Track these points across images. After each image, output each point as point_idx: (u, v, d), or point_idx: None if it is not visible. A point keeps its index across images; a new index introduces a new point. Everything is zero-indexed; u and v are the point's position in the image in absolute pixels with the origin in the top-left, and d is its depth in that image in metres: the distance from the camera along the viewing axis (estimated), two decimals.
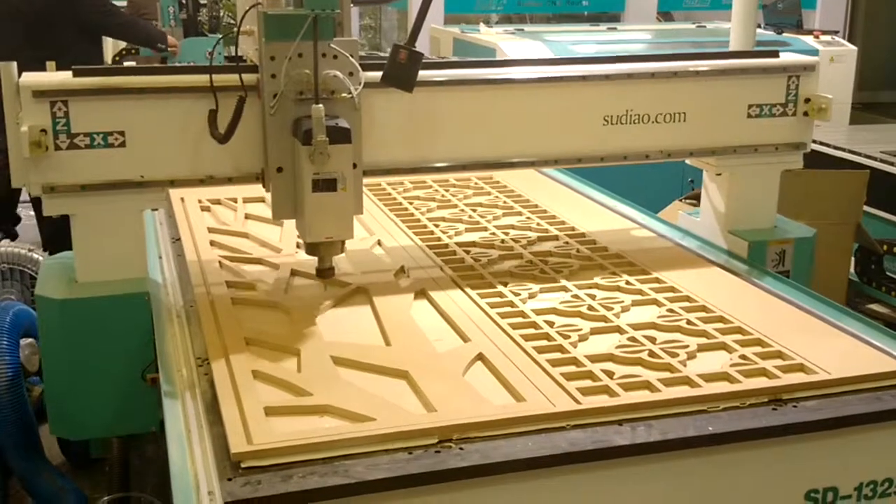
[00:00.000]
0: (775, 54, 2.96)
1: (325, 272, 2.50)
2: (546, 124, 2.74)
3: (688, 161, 3.02)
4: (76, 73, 2.41)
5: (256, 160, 2.51)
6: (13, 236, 5.59)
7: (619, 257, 2.79)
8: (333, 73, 2.35)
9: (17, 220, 5.95)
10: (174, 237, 3.00)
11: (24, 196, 6.11)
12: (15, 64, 2.37)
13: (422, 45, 7.98)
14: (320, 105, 2.26)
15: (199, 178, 2.51)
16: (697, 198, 5.30)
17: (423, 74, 2.51)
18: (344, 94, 2.36)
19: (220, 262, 2.73)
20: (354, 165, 2.39)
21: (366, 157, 2.51)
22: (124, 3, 12.61)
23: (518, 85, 2.71)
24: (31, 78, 2.37)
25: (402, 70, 2.40)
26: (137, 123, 2.42)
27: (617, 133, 2.77)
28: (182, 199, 3.33)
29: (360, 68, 2.38)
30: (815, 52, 6.77)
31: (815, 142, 5.53)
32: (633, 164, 2.85)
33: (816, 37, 6.96)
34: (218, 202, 3.34)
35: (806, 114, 2.92)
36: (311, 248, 2.47)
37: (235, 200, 3.32)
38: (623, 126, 2.77)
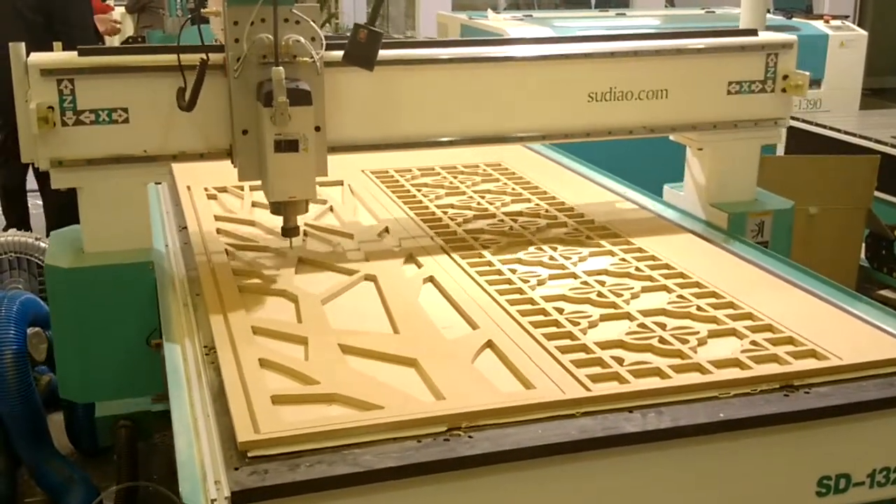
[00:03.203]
0: (754, 33, 3.03)
1: (289, 231, 2.57)
2: (532, 101, 2.83)
3: (671, 137, 3.11)
4: (81, 53, 2.48)
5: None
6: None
7: (629, 243, 2.77)
8: (295, 37, 2.41)
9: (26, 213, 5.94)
10: (181, 225, 2.99)
11: (31, 185, 6.12)
12: (23, 44, 2.46)
13: (429, 31, 7.97)
14: (280, 67, 2.33)
15: (200, 152, 2.60)
16: None
17: (395, 54, 2.67)
18: (306, 59, 2.43)
19: (226, 250, 2.72)
20: (318, 128, 2.46)
21: (333, 133, 2.59)
22: None
23: (501, 63, 2.80)
24: (39, 57, 2.45)
25: (362, 49, 2.47)
26: (140, 100, 2.51)
27: (602, 109, 2.86)
28: (189, 188, 3.31)
29: (321, 34, 2.46)
30: (825, 37, 6.73)
31: (825, 127, 5.55)
32: (617, 139, 2.95)
33: (826, 21, 6.92)
34: (224, 190, 3.33)
35: (784, 90, 2.99)
36: (276, 208, 2.55)
37: (242, 188, 3.31)
38: (607, 102, 2.86)
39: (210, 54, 2.48)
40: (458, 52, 2.80)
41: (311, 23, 2.44)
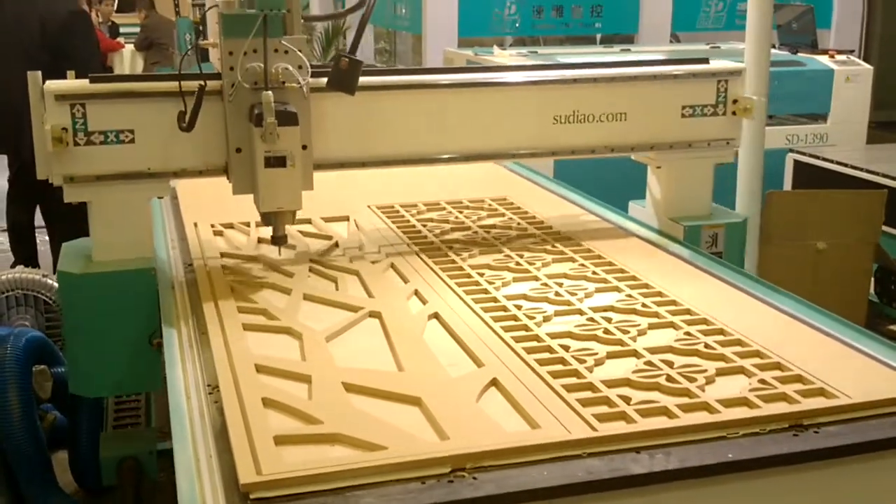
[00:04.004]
0: (706, 61, 3.33)
1: (278, 239, 2.86)
2: (501, 122, 3.13)
3: (633, 156, 3.40)
4: (92, 80, 2.79)
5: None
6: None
7: (635, 279, 2.76)
8: (284, 66, 2.68)
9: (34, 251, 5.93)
10: (187, 263, 2.99)
11: (38, 221, 6.14)
12: (40, 73, 2.77)
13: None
14: (270, 92, 2.61)
15: (199, 169, 2.89)
16: None
17: (374, 80, 2.98)
18: (293, 85, 2.70)
19: (231, 287, 2.71)
20: (305, 147, 2.75)
21: (319, 152, 2.88)
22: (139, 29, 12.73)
23: (473, 88, 3.12)
24: (54, 84, 2.75)
25: (344, 76, 2.76)
26: (144, 122, 2.80)
27: (566, 130, 3.16)
28: (195, 225, 3.31)
29: (307, 62, 2.72)
30: (830, 72, 6.74)
31: (832, 161, 5.55)
32: (580, 157, 3.25)
33: (832, 56, 6.93)
34: (231, 226, 3.33)
35: (734, 113, 3.28)
36: (266, 218, 2.83)
37: (248, 224, 3.31)
38: (571, 124, 3.16)
39: (208, 81, 2.74)
40: (433, 78, 3.12)
41: (298, 52, 2.70)
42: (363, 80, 2.82)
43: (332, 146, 2.95)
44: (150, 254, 2.90)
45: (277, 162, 2.65)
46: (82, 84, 2.77)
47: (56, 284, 4.52)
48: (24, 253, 5.86)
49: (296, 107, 2.69)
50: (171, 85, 2.76)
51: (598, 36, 9.60)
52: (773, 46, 6.02)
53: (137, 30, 12.92)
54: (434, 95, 3.07)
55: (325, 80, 2.79)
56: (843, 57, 6.94)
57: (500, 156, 3.31)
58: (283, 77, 2.69)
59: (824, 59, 6.88)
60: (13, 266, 5.56)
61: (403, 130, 3.05)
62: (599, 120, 3.17)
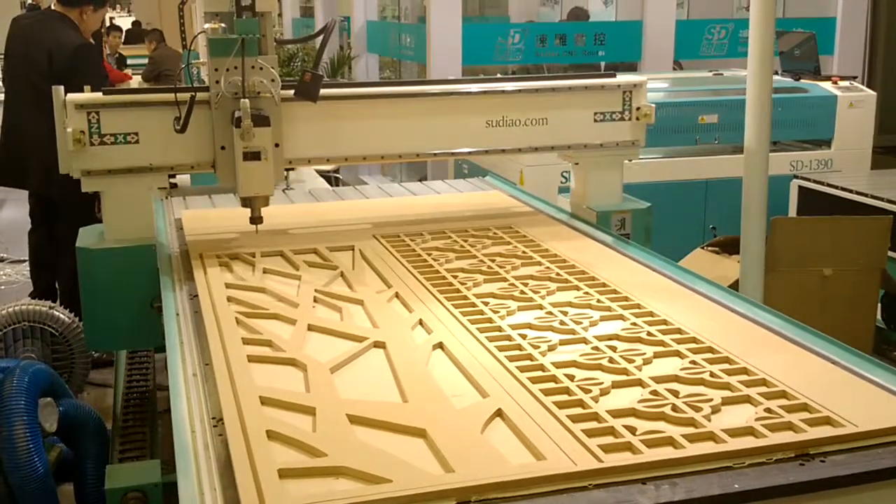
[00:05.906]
0: (613, 75, 3.97)
1: (255, 220, 3.42)
2: (442, 127, 3.72)
3: (558, 155, 4.00)
4: (105, 93, 3.42)
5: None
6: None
7: (640, 307, 2.75)
8: (259, 79, 3.27)
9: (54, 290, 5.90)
10: (192, 294, 3.00)
11: None
12: (62, 87, 3.39)
13: None
14: (246, 100, 3.19)
15: (191, 164, 3.50)
16: (720, 245, 5.27)
17: (335, 91, 3.59)
18: (267, 94, 3.29)
19: (237, 318, 2.71)
20: (277, 145, 3.35)
21: (289, 151, 3.50)
22: (146, 62, 12.79)
23: (418, 98, 3.72)
24: (74, 96, 3.37)
25: (308, 87, 3.33)
26: (147, 126, 3.41)
27: (496, 133, 3.76)
28: (201, 256, 3.32)
29: (279, 76, 3.30)
30: (833, 98, 6.75)
31: (836, 187, 5.54)
32: (510, 155, 4.03)
33: (835, 82, 6.94)
34: (236, 257, 3.34)
35: (638, 118, 3.88)
36: (245, 202, 3.40)
37: (254, 255, 3.32)
38: (501, 128, 3.75)
39: (198, 92, 3.32)
40: (384, 90, 3.73)
41: (271, 69, 3.28)
42: (325, 91, 3.39)
43: (301, 145, 3.53)
44: (151, 233, 3.47)
45: (253, 156, 3.21)
46: (97, 96, 3.39)
47: (62, 316, 4.53)
48: (44, 281, 5.87)
49: (269, 112, 3.27)
50: (169, 96, 3.36)
51: (603, 64, 9.63)
52: (776, 73, 6.05)
53: (145, 61, 13.03)
54: (385, 104, 3.66)
55: (291, 90, 3.34)
56: (846, 83, 6.95)
57: (442, 155, 3.91)
58: (258, 88, 3.26)
59: (827, 85, 6.90)
60: (31, 294, 5.58)
61: (360, 133, 3.62)
62: (525, 124, 3.75)
